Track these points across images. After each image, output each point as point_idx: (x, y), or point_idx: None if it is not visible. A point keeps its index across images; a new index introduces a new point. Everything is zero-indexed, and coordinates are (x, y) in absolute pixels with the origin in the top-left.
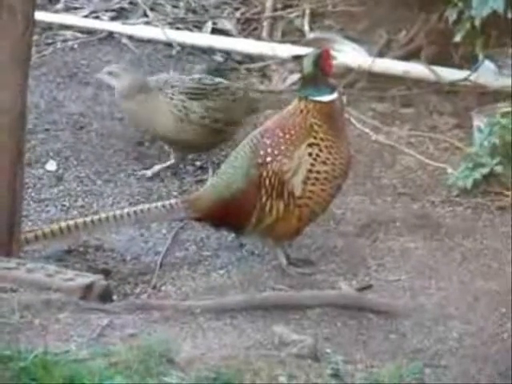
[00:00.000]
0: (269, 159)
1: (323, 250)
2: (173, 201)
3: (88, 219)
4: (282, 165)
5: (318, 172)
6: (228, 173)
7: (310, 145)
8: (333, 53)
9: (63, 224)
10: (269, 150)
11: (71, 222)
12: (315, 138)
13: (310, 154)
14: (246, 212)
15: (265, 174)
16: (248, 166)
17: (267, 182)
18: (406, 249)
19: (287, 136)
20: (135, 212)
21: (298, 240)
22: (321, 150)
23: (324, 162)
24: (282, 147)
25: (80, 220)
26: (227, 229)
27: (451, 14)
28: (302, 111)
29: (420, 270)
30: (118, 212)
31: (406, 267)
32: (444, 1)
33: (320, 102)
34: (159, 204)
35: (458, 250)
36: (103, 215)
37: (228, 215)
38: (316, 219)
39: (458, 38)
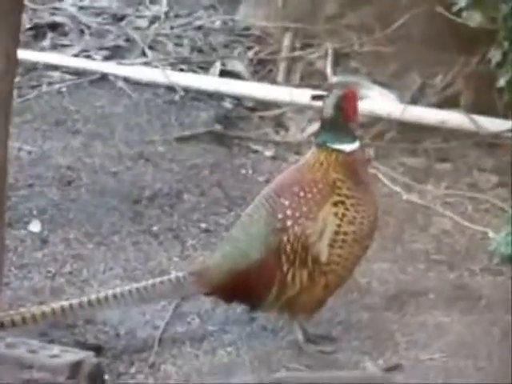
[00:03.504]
0: (289, 223)
1: (345, 325)
2: (180, 274)
3: (85, 300)
4: (305, 228)
5: (345, 233)
6: (242, 240)
7: (335, 203)
8: (359, 94)
9: (56, 305)
10: (288, 213)
11: (65, 303)
12: (339, 194)
13: (336, 214)
14: (266, 284)
15: (285, 239)
16: (266, 233)
17: (288, 248)
18: (440, 324)
19: (309, 195)
20: (138, 289)
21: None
22: (347, 209)
23: (351, 222)
24: (304, 208)
25: (75, 301)
26: (241, 303)
27: (494, 56)
28: (322, 164)
29: (456, 348)
30: (118, 290)
31: (439, 344)
32: (486, 40)
33: (341, 152)
34: (165, 278)
35: (499, 324)
36: (102, 295)
37: (244, 288)
38: (342, 287)
39: (502, 83)
